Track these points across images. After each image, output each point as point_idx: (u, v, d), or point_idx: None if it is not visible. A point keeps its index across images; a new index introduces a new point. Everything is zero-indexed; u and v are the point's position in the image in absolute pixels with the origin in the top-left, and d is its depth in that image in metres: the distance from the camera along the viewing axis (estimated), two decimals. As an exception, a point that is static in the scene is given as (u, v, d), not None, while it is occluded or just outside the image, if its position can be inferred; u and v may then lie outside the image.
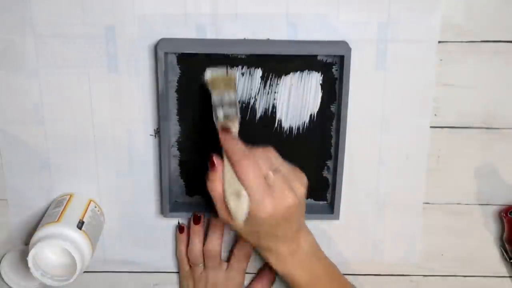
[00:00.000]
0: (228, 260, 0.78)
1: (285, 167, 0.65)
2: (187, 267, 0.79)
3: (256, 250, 0.72)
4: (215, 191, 0.64)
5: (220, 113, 0.65)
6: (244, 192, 0.62)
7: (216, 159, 0.64)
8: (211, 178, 0.64)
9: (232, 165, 0.63)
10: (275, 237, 0.65)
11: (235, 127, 0.65)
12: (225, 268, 0.78)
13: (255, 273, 0.81)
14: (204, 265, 0.77)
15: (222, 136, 0.64)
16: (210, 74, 0.68)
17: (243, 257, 0.77)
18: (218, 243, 0.76)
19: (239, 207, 0.63)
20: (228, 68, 0.69)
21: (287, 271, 0.68)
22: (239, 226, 0.64)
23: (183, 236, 0.78)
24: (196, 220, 0.76)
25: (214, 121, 0.66)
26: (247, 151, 0.63)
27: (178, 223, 0.79)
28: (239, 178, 0.62)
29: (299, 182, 0.65)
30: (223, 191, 0.63)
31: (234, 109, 0.66)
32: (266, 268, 0.80)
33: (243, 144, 0.64)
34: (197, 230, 0.76)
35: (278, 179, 0.63)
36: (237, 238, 0.77)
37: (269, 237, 0.65)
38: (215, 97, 0.66)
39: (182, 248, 0.78)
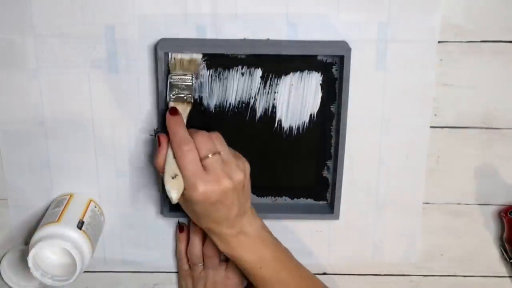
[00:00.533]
0: (227, 260, 0.78)
1: (227, 153, 0.66)
2: (186, 267, 0.79)
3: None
4: (159, 168, 0.66)
5: (172, 94, 0.68)
6: (179, 175, 0.64)
7: (162, 137, 0.66)
8: (156, 154, 0.66)
9: (173, 148, 0.65)
10: (214, 220, 0.67)
11: (185, 112, 0.67)
12: (224, 268, 0.78)
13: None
14: (204, 264, 0.77)
15: (167, 118, 0.66)
16: (174, 56, 0.68)
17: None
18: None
19: (173, 188, 0.64)
20: (194, 55, 0.69)
21: (232, 253, 0.70)
22: (182, 205, 0.68)
23: (183, 236, 0.78)
24: None
25: (167, 101, 0.68)
26: (187, 136, 0.65)
27: (178, 222, 0.79)
28: (177, 160, 0.64)
29: (238, 168, 0.66)
30: (163, 171, 0.65)
31: (187, 93, 0.68)
32: None
33: (188, 129, 0.65)
34: (197, 230, 0.76)
35: (215, 163, 0.64)
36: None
37: (207, 219, 0.67)
38: (171, 78, 0.68)
39: (182, 247, 0.78)
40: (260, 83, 0.71)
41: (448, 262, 0.80)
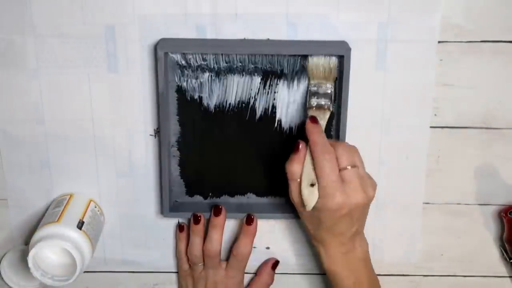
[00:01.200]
0: (228, 259, 0.78)
1: (363, 168, 0.67)
2: (186, 266, 0.79)
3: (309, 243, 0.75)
4: (293, 173, 0.67)
5: (313, 102, 0.68)
6: (316, 184, 0.65)
7: (301, 144, 0.67)
8: (292, 159, 0.67)
9: (313, 156, 0.66)
10: (333, 232, 0.68)
11: (324, 119, 0.68)
12: (224, 267, 0.78)
13: (254, 273, 0.81)
14: (204, 264, 0.77)
15: (309, 127, 0.67)
16: (312, 60, 0.69)
17: (243, 257, 0.77)
18: (217, 242, 0.76)
19: (311, 196, 0.65)
20: (330, 58, 0.69)
21: (334, 269, 0.70)
22: (305, 211, 0.67)
23: (183, 235, 0.78)
24: (196, 220, 0.76)
25: (306, 109, 0.69)
26: (329, 145, 0.66)
27: (178, 222, 0.79)
28: (316, 169, 0.65)
29: (372, 186, 0.68)
30: (301, 178, 0.66)
31: (328, 101, 0.69)
32: (264, 268, 0.80)
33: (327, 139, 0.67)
34: (197, 230, 0.76)
35: (354, 176, 0.65)
36: (237, 238, 0.77)
37: (328, 230, 0.68)
38: (312, 85, 0.69)
39: (182, 247, 0.78)
40: (260, 83, 0.71)
41: (448, 262, 0.80)
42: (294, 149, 0.67)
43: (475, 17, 0.69)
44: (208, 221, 0.76)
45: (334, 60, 0.68)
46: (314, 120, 0.67)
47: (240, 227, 0.77)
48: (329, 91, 0.69)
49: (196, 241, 0.76)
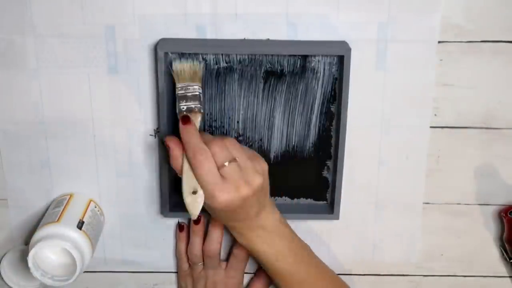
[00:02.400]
0: (227, 259, 0.78)
1: (243, 156, 0.65)
2: (186, 266, 0.79)
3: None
4: (176, 168, 0.66)
5: (183, 107, 0.67)
6: (199, 189, 0.64)
7: (170, 142, 0.66)
8: (171, 158, 0.66)
9: (188, 158, 0.64)
10: (234, 220, 0.68)
11: (197, 122, 0.66)
12: (224, 267, 0.78)
13: (254, 273, 0.81)
14: (204, 264, 0.77)
15: (180, 129, 0.65)
16: (176, 65, 0.68)
17: (243, 257, 0.77)
18: (217, 243, 0.76)
19: (194, 204, 0.65)
20: (195, 60, 0.68)
21: (251, 246, 0.70)
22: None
23: (183, 235, 0.78)
24: (196, 221, 0.76)
25: (177, 113, 0.67)
26: (202, 145, 0.64)
27: (178, 222, 0.79)
28: (194, 172, 0.64)
29: (256, 172, 0.65)
30: (181, 184, 0.65)
31: (197, 103, 0.67)
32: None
33: (202, 137, 0.65)
34: (197, 230, 0.76)
35: (232, 171, 0.64)
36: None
37: (229, 220, 0.69)
38: (178, 89, 0.67)
39: (182, 246, 0.78)
40: (260, 83, 0.71)
41: (448, 262, 0.80)
42: (166, 148, 0.66)
43: (475, 17, 0.69)
44: (208, 221, 0.76)
45: (198, 63, 0.68)
46: (185, 121, 0.65)
47: None
48: (197, 93, 0.67)
49: (196, 240, 0.76)
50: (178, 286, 0.82)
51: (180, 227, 0.78)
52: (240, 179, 0.64)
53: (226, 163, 0.64)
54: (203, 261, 0.77)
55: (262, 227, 0.69)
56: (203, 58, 0.69)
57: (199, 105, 0.67)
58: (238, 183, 0.64)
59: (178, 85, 0.67)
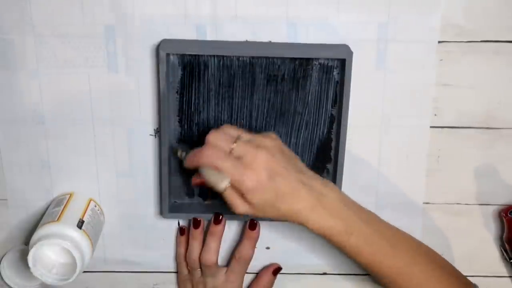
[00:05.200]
0: (229, 262, 0.78)
1: (244, 132, 0.65)
2: (185, 271, 0.79)
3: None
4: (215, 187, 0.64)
5: (182, 154, 0.69)
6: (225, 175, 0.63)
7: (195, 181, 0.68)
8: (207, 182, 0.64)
9: (203, 166, 0.63)
10: (285, 197, 0.63)
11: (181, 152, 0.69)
12: (224, 272, 0.77)
13: (255, 273, 0.81)
14: (201, 272, 0.77)
15: (187, 163, 0.66)
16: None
17: (245, 261, 0.77)
18: (214, 252, 0.75)
19: (218, 176, 0.63)
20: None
21: (318, 227, 0.64)
22: (250, 209, 0.64)
23: (183, 239, 0.78)
24: (196, 224, 0.76)
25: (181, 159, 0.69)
26: (200, 149, 0.64)
27: (178, 224, 0.78)
28: (217, 169, 0.63)
29: (264, 138, 0.64)
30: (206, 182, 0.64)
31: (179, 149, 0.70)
32: (265, 272, 0.80)
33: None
34: (197, 235, 0.76)
35: (242, 147, 0.63)
36: (240, 242, 0.77)
37: (280, 200, 0.63)
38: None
39: (182, 251, 0.78)
40: (261, 84, 0.71)
41: (448, 262, 0.80)
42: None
43: (475, 17, 0.69)
44: (207, 227, 0.76)
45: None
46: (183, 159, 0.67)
47: (243, 232, 0.77)
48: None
49: (195, 246, 0.76)
50: None
51: (181, 230, 0.78)
52: (251, 149, 0.62)
53: (233, 145, 0.63)
54: (201, 268, 0.77)
55: (320, 198, 0.64)
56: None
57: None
58: (252, 153, 0.62)
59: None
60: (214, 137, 0.64)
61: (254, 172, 0.62)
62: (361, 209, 0.68)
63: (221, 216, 0.75)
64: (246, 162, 0.62)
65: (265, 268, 0.81)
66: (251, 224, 0.76)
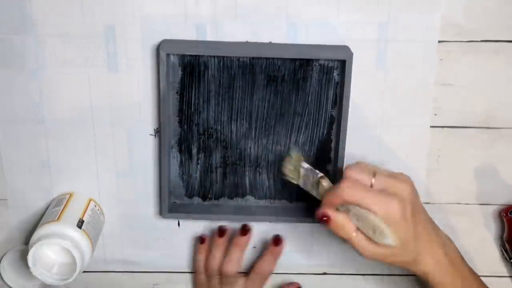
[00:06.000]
0: (248, 272, 0.78)
1: (378, 167, 0.63)
2: (203, 277, 0.78)
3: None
4: (343, 231, 0.62)
5: (314, 192, 0.67)
6: (377, 224, 0.60)
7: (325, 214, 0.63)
8: (333, 225, 0.62)
9: (349, 203, 0.61)
10: (422, 236, 0.63)
11: (327, 182, 0.65)
12: (243, 282, 0.77)
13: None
14: (220, 279, 0.77)
15: (326, 203, 0.63)
16: (285, 169, 0.69)
17: (265, 275, 0.77)
18: (237, 263, 0.75)
19: (382, 235, 0.60)
20: (293, 150, 0.70)
21: (438, 282, 0.65)
22: (381, 249, 0.62)
23: (203, 247, 0.77)
24: (221, 233, 0.75)
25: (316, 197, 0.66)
26: (338, 189, 0.61)
27: (178, 223, 0.78)
28: (364, 209, 0.60)
29: (401, 175, 0.63)
30: (360, 232, 0.62)
31: (316, 174, 0.67)
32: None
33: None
34: (220, 243, 0.76)
35: (381, 178, 0.61)
36: (262, 256, 0.77)
37: (420, 238, 0.62)
38: (301, 184, 0.68)
39: (201, 257, 0.78)
40: (261, 85, 0.71)
41: (448, 262, 0.80)
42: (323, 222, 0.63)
43: (475, 17, 0.69)
44: (231, 239, 0.76)
45: (295, 152, 0.70)
46: (326, 198, 0.63)
47: (266, 246, 0.77)
48: (308, 170, 0.68)
49: (217, 255, 0.76)
50: None
51: (201, 239, 0.77)
52: (394, 183, 0.61)
53: (372, 180, 0.61)
54: (220, 276, 0.76)
55: (448, 249, 0.65)
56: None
57: (317, 174, 0.67)
58: (395, 187, 0.61)
59: (298, 182, 0.68)
60: (354, 173, 0.62)
61: (401, 203, 0.60)
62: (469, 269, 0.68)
63: (248, 227, 0.75)
64: (391, 193, 0.60)
65: (285, 285, 0.81)
66: (275, 240, 0.76)
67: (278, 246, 0.76)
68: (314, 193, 0.67)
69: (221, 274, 0.76)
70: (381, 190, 0.61)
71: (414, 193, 0.63)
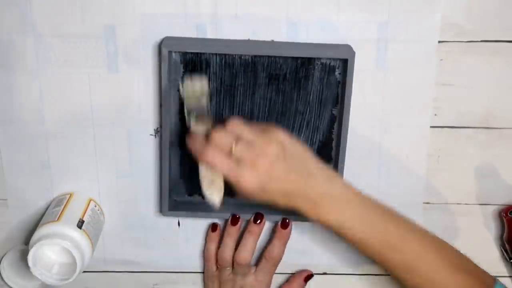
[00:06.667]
0: (258, 262, 0.77)
1: (248, 133, 0.64)
2: (214, 268, 0.78)
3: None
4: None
5: (192, 118, 0.68)
6: (216, 179, 0.67)
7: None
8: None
9: (200, 160, 0.65)
10: (285, 197, 0.64)
11: (208, 126, 0.67)
12: (253, 272, 0.76)
13: (291, 273, 0.81)
14: (233, 270, 0.76)
15: (188, 142, 0.66)
16: (184, 85, 0.69)
17: (275, 261, 0.76)
18: (250, 251, 0.74)
19: (213, 194, 0.67)
20: (201, 77, 0.69)
21: (319, 220, 0.65)
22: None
23: (215, 235, 0.77)
24: (234, 221, 0.75)
25: (188, 125, 0.68)
26: (204, 142, 0.64)
27: (178, 223, 0.78)
28: (211, 168, 0.65)
29: (267, 141, 0.63)
30: (200, 185, 0.67)
31: (204, 112, 0.68)
32: (296, 279, 0.80)
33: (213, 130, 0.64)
34: (232, 232, 0.75)
35: (241, 150, 0.62)
36: (270, 241, 0.76)
37: (280, 200, 0.64)
38: (186, 106, 0.69)
39: (212, 247, 0.77)
40: (262, 83, 0.71)
41: (448, 262, 0.80)
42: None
43: (475, 17, 0.69)
44: (245, 227, 0.76)
45: (203, 80, 0.69)
46: (190, 135, 0.66)
47: (274, 231, 0.77)
48: (203, 105, 0.68)
49: (229, 243, 0.75)
50: (205, 286, 0.81)
51: (213, 227, 0.77)
52: (253, 155, 0.62)
53: (232, 147, 0.62)
54: (233, 266, 0.76)
55: (320, 196, 0.64)
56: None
57: (205, 113, 0.68)
58: (252, 159, 0.62)
59: (186, 102, 0.69)
60: (216, 138, 0.63)
61: (252, 181, 0.62)
62: (367, 206, 0.67)
63: (262, 214, 0.74)
64: (244, 166, 0.62)
65: (297, 273, 0.80)
66: (283, 223, 0.75)
67: (286, 229, 0.75)
68: (187, 119, 0.68)
69: (234, 263, 0.75)
70: (238, 160, 0.62)
71: (280, 148, 0.63)
